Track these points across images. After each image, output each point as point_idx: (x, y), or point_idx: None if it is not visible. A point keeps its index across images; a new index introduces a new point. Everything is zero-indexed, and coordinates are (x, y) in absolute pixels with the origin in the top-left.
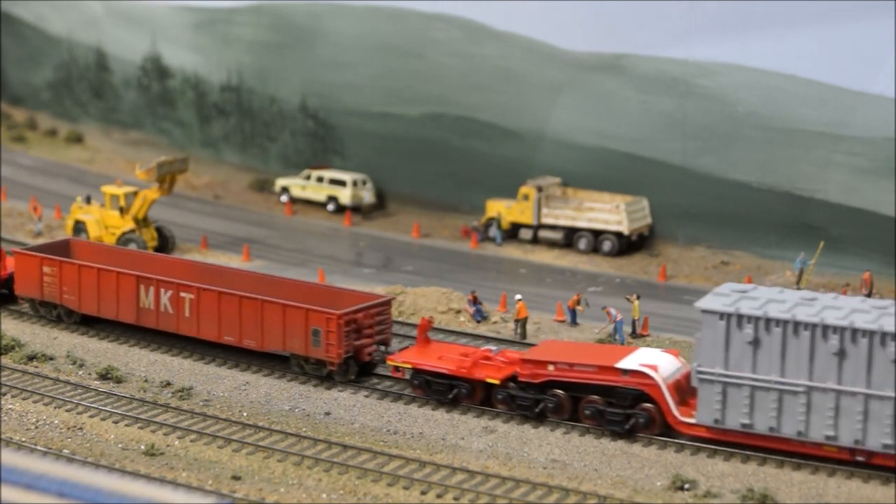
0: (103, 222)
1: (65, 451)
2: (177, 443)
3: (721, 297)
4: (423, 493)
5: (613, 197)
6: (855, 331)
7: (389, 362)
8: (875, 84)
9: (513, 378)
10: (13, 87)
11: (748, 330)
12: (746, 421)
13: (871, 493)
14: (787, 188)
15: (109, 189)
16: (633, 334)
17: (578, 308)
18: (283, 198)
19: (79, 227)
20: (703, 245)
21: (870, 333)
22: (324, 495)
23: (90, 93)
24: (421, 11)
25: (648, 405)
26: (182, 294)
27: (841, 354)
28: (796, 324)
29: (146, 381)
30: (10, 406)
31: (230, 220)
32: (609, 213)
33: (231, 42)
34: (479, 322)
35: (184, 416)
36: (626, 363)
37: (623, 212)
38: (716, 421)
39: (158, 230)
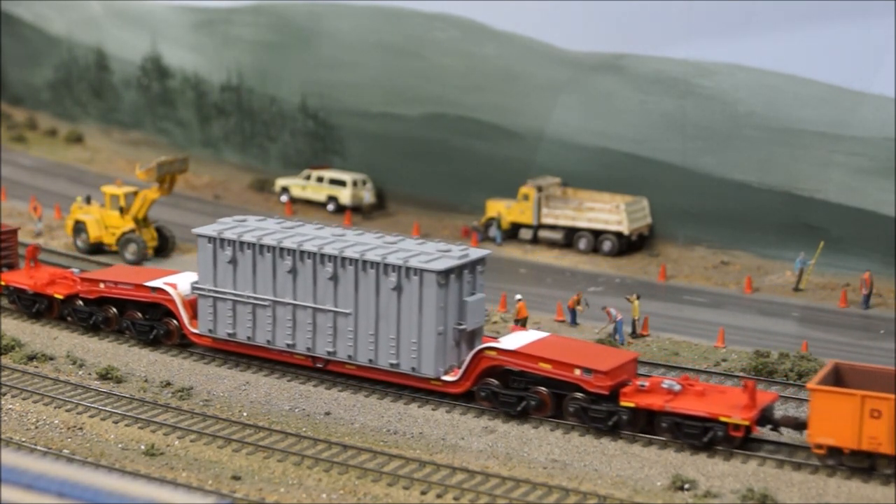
0: (103, 222)
1: (65, 451)
2: (177, 443)
3: (218, 225)
4: (423, 493)
5: (613, 197)
6: (303, 252)
7: None
8: (875, 84)
9: (77, 295)
10: (13, 87)
11: (228, 251)
12: (231, 331)
13: (871, 493)
14: (787, 188)
15: (109, 189)
16: (633, 334)
17: (578, 308)
18: (283, 198)
19: (79, 227)
20: (703, 245)
21: (313, 255)
22: (324, 495)
23: (90, 93)
24: (421, 11)
25: (170, 319)
26: None
27: (294, 273)
28: (261, 247)
29: (146, 381)
30: (10, 406)
31: None
32: (609, 213)
33: (231, 42)
34: None
35: (184, 416)
36: (154, 282)
37: (623, 212)
38: (210, 331)
39: (158, 230)
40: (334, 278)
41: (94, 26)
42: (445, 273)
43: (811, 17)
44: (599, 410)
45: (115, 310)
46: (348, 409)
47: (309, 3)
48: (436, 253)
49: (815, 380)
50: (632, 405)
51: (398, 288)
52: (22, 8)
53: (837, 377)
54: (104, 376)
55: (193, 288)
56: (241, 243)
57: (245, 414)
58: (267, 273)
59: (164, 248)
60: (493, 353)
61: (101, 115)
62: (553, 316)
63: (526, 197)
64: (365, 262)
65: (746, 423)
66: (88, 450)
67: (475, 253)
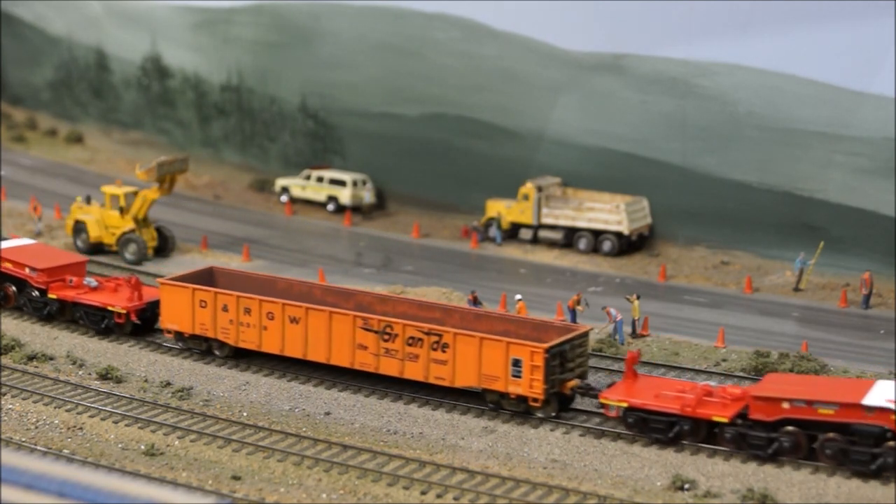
0: (103, 222)
1: (65, 451)
2: (177, 443)
3: None
4: (423, 493)
5: (613, 197)
6: None
7: None
8: (875, 84)
9: None
10: (13, 87)
11: None
12: None
13: (871, 493)
14: (787, 188)
15: (109, 189)
16: (633, 334)
17: (578, 308)
18: (283, 198)
19: (79, 227)
20: (703, 245)
21: None
22: (324, 495)
23: (90, 93)
24: (421, 11)
25: None
26: None
27: None
28: None
29: (146, 381)
30: (10, 406)
31: (230, 220)
32: (609, 213)
33: (231, 42)
34: None
35: (184, 416)
36: None
37: (623, 212)
38: None
39: (158, 230)
40: None
41: (94, 26)
42: None
43: (811, 17)
44: (37, 301)
45: None
46: (348, 409)
47: (309, 3)
48: None
49: (171, 276)
50: (55, 297)
51: None
52: (22, 8)
53: (212, 277)
54: (104, 376)
55: None
56: None
57: (245, 414)
58: None
59: (164, 248)
60: None
61: (101, 115)
62: (553, 316)
63: (526, 197)
64: None
65: (124, 311)
66: (88, 450)
67: None
